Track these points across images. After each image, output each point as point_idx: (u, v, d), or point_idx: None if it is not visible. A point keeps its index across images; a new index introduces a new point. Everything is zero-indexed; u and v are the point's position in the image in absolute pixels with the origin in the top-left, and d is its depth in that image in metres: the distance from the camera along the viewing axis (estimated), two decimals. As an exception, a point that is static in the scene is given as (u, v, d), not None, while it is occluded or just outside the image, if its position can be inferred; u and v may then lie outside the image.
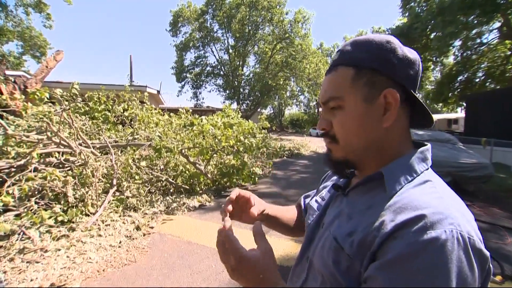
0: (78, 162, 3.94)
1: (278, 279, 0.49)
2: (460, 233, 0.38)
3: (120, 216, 3.61)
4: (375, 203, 0.48)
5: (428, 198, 0.43)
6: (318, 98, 0.61)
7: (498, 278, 2.51)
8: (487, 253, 0.40)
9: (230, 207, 0.63)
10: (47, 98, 4.16)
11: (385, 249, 0.40)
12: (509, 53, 14.65)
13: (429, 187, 0.47)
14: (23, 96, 4.30)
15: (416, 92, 0.53)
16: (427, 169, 0.51)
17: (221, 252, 0.51)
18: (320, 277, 0.53)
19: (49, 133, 3.75)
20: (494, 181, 6.26)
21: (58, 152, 3.99)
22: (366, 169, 0.54)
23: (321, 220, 0.61)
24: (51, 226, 2.98)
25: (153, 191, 4.68)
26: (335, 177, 0.70)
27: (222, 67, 24.40)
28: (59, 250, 2.67)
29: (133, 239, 3.14)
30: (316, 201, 0.69)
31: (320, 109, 0.60)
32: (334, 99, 0.53)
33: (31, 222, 2.87)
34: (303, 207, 0.81)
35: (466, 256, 0.38)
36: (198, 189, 5.16)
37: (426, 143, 0.55)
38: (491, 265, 0.41)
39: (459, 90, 17.01)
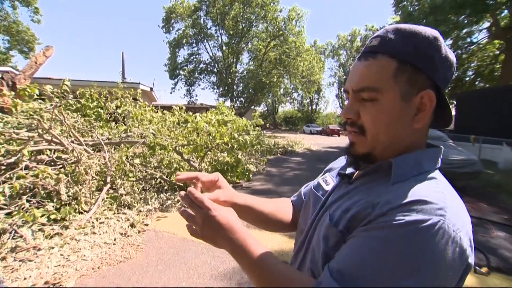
0: (71, 159, 3.89)
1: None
2: (447, 225, 0.39)
3: (114, 213, 3.59)
4: (377, 189, 0.50)
5: (429, 190, 0.44)
6: (345, 83, 0.55)
7: (484, 269, 2.61)
8: (469, 251, 0.41)
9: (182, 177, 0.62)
10: (37, 94, 4.08)
11: (373, 223, 0.43)
12: (497, 52, 15.00)
13: (433, 183, 0.47)
14: (12, 93, 4.20)
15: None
16: (435, 169, 0.51)
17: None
18: (311, 253, 0.55)
19: (40, 130, 3.69)
20: (483, 177, 6.43)
21: (50, 150, 3.93)
22: None
23: (324, 204, 0.62)
24: (43, 224, 2.95)
25: (147, 188, 4.65)
26: (341, 165, 0.69)
27: (216, 64, 24.18)
28: (53, 248, 2.65)
29: (127, 236, 3.13)
30: (320, 186, 0.68)
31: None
32: (369, 90, 0.49)
33: (23, 220, 2.83)
34: (303, 198, 0.78)
35: (445, 247, 0.38)
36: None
37: (439, 145, 0.55)
38: (471, 263, 0.41)
39: (449, 88, 17.33)
